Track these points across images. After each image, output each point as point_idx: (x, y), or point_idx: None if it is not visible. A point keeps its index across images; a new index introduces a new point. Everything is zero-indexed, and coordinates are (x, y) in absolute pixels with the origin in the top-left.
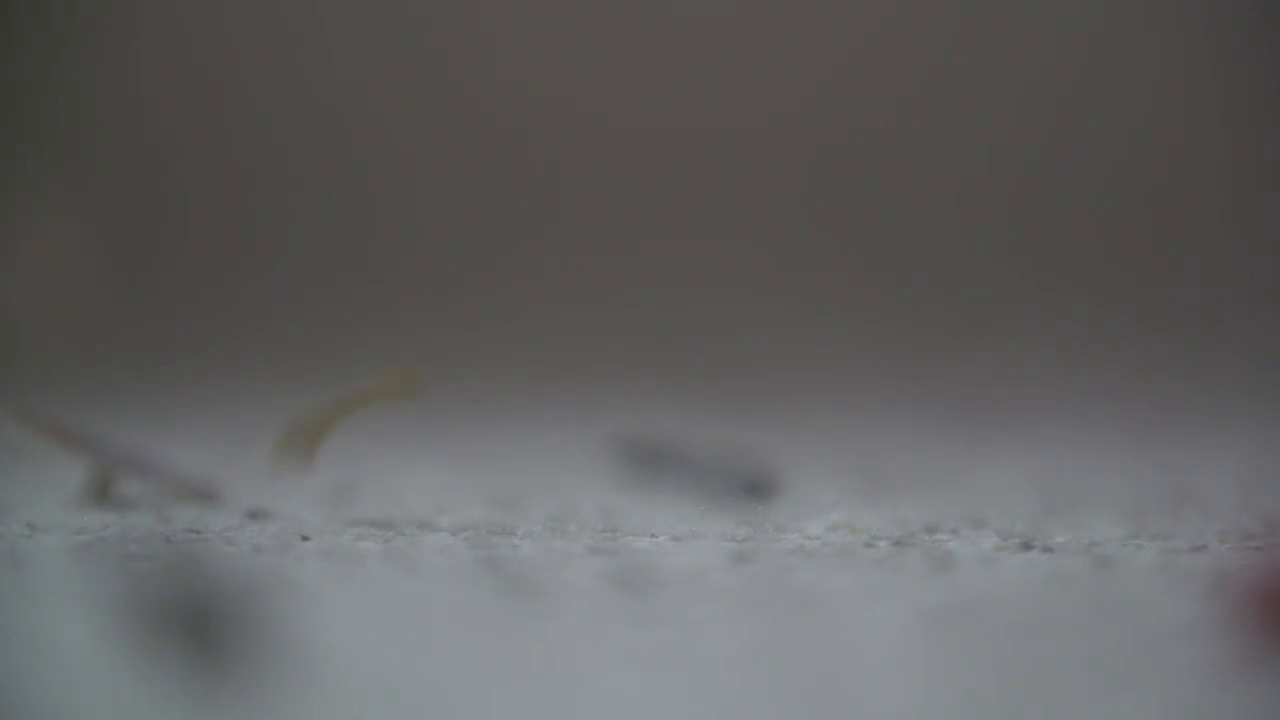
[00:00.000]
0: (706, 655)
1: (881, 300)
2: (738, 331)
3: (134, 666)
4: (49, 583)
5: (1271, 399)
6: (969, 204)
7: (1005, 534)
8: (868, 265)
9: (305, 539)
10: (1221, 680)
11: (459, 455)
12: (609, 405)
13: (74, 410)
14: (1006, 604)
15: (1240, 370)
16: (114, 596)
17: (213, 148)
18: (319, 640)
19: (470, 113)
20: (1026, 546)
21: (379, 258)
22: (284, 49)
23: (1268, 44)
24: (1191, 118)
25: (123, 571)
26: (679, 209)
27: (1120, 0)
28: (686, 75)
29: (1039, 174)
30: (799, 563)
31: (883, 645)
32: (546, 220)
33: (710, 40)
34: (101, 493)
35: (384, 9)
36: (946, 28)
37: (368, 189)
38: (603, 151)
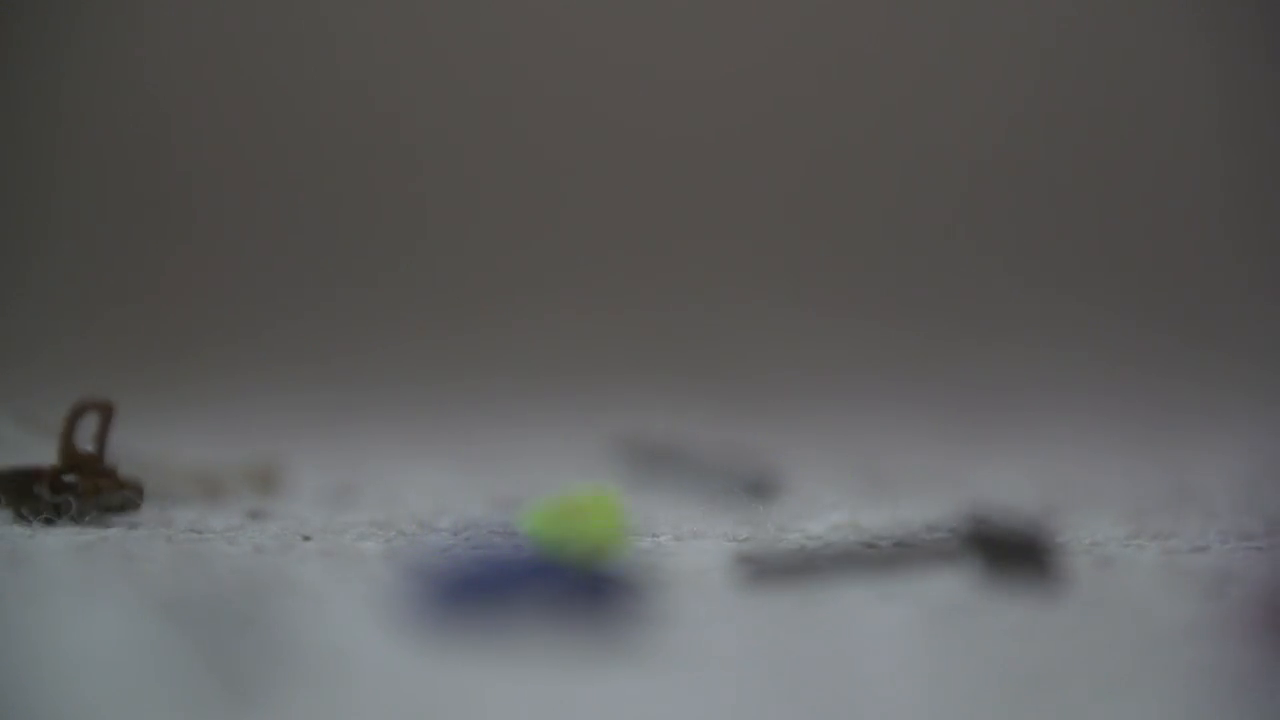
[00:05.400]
0: (708, 655)
1: (882, 300)
2: (739, 331)
3: (135, 667)
4: (50, 583)
5: (1273, 399)
6: (970, 205)
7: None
8: (869, 265)
9: (306, 539)
10: (1223, 682)
11: (459, 455)
12: (610, 405)
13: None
14: (1006, 604)
15: (1241, 370)
16: (115, 597)
17: (215, 148)
18: (319, 640)
19: (471, 113)
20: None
21: (379, 258)
22: (287, 48)
23: (1268, 44)
24: (1191, 117)
25: (124, 572)
26: (680, 209)
27: (1120, 0)
28: (686, 76)
29: (1039, 174)
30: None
31: (883, 645)
32: (547, 220)
33: (709, 41)
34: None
35: (386, 9)
36: (950, 27)
37: (368, 190)
38: (603, 152)
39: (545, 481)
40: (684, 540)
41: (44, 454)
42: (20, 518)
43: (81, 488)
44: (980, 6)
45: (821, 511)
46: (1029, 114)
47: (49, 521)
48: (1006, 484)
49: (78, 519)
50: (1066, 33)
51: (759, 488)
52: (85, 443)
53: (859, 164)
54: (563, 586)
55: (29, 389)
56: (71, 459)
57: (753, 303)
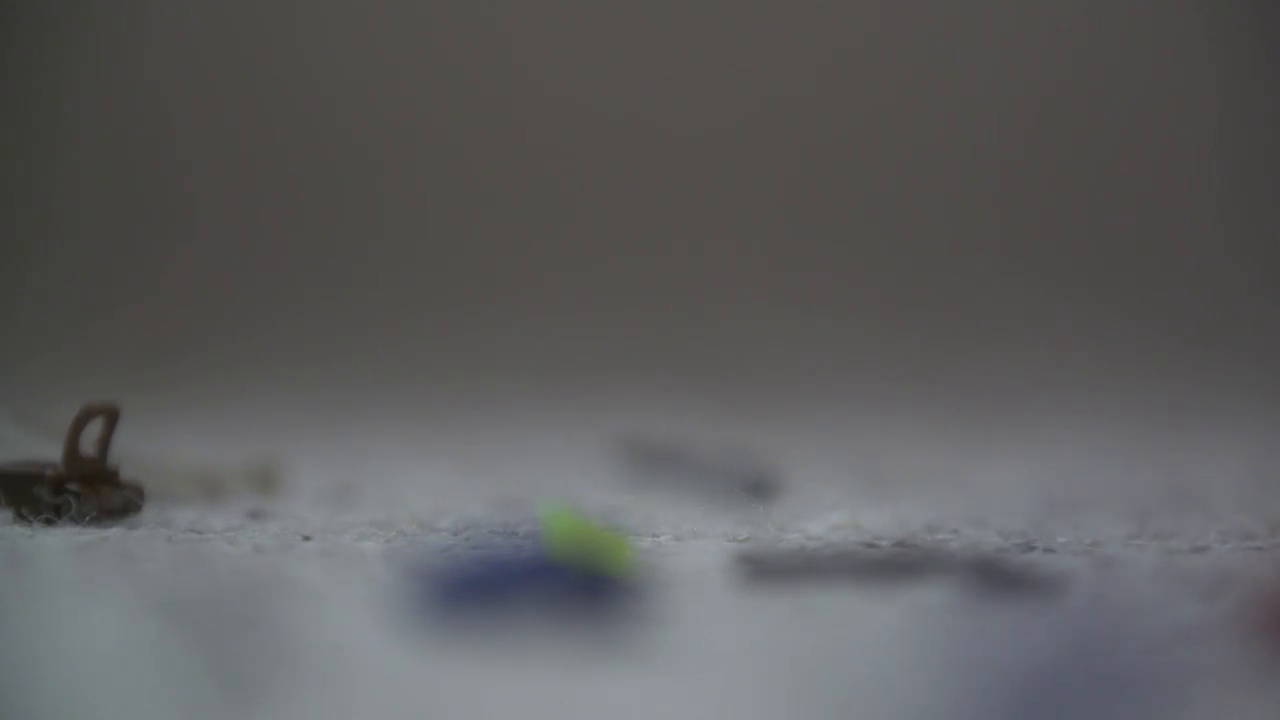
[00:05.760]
0: (708, 655)
1: (882, 301)
2: (739, 331)
3: (135, 667)
4: (50, 583)
5: (1273, 399)
6: (969, 205)
7: (1007, 534)
8: (868, 266)
9: (306, 539)
10: (1223, 682)
11: (459, 455)
12: (610, 405)
13: (72, 410)
14: (1006, 604)
15: (1241, 370)
16: (115, 597)
17: (215, 148)
18: (319, 640)
19: (472, 114)
20: (1028, 547)
21: (380, 258)
22: (288, 48)
23: (1268, 43)
24: (1191, 117)
25: (124, 572)
26: (680, 209)
27: (1121, 1)
28: (685, 76)
29: (1039, 175)
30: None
31: (883, 645)
32: (547, 220)
33: (707, 41)
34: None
35: (386, 10)
36: (951, 28)
37: (369, 190)
38: (603, 152)
39: (545, 481)
40: (684, 540)
41: (45, 453)
42: (20, 518)
43: (82, 490)
44: (980, 6)
45: (821, 511)
46: (1028, 114)
47: (49, 522)
48: (1006, 484)
49: (78, 520)
50: (1067, 33)
51: (759, 488)
52: (89, 445)
53: (859, 164)
54: (563, 586)
55: (29, 389)
56: (75, 466)
57: (753, 303)
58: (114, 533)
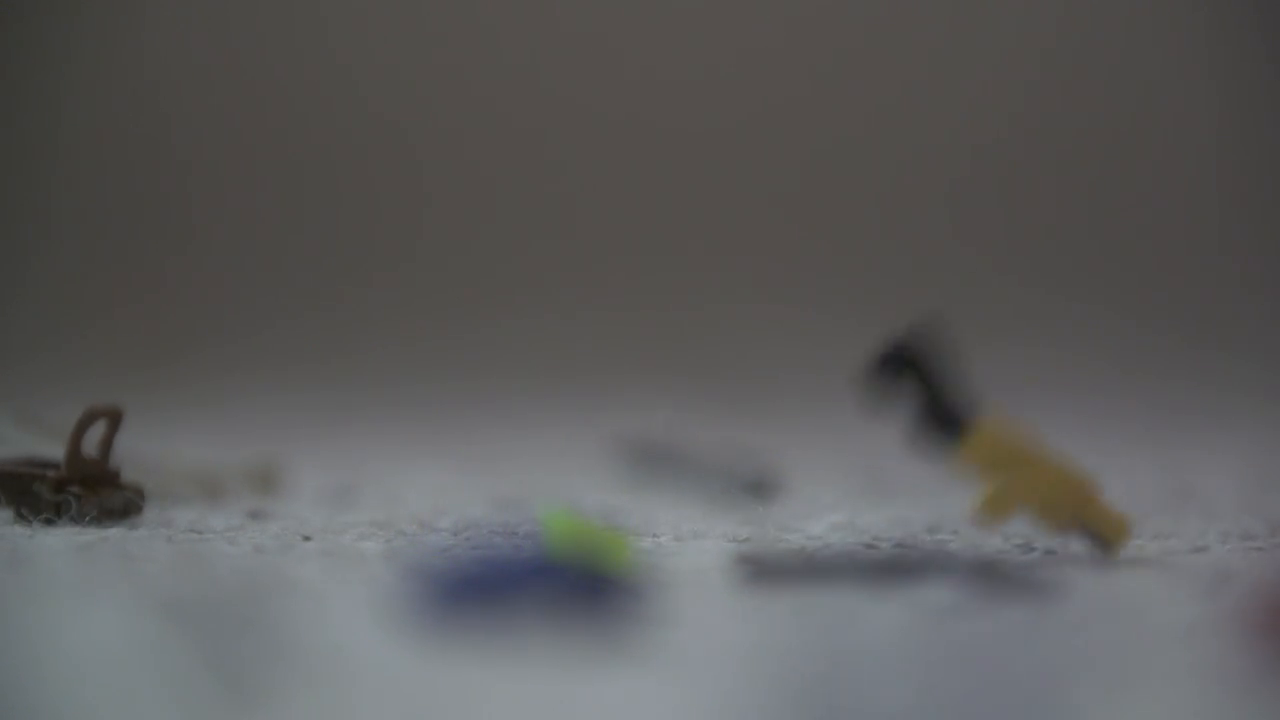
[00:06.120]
0: (708, 655)
1: (882, 300)
2: (738, 331)
3: (135, 667)
4: (50, 583)
5: (1273, 399)
6: (969, 205)
7: (1007, 534)
8: (868, 266)
9: (306, 539)
10: (1223, 682)
11: (459, 455)
12: (610, 405)
13: (73, 410)
14: (1007, 604)
15: (1242, 370)
16: (115, 597)
17: (215, 148)
18: (319, 640)
19: (473, 114)
20: (1029, 547)
21: (380, 258)
22: (287, 49)
23: (1268, 44)
24: (1192, 117)
25: (124, 572)
26: (679, 209)
27: (1120, 1)
28: (686, 76)
29: (1039, 174)
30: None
31: (883, 645)
32: (547, 221)
33: (707, 41)
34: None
35: (387, 10)
36: (950, 27)
37: (369, 190)
38: (603, 152)
39: (545, 482)
40: (684, 540)
41: (45, 452)
42: (20, 518)
43: (83, 491)
44: (979, 6)
45: (821, 511)
46: (1028, 114)
47: (49, 521)
48: None
49: (78, 521)
50: (1066, 32)
51: (759, 488)
52: (91, 446)
53: (859, 164)
54: (563, 586)
55: (29, 389)
56: (78, 468)
57: (753, 303)
58: (114, 533)
